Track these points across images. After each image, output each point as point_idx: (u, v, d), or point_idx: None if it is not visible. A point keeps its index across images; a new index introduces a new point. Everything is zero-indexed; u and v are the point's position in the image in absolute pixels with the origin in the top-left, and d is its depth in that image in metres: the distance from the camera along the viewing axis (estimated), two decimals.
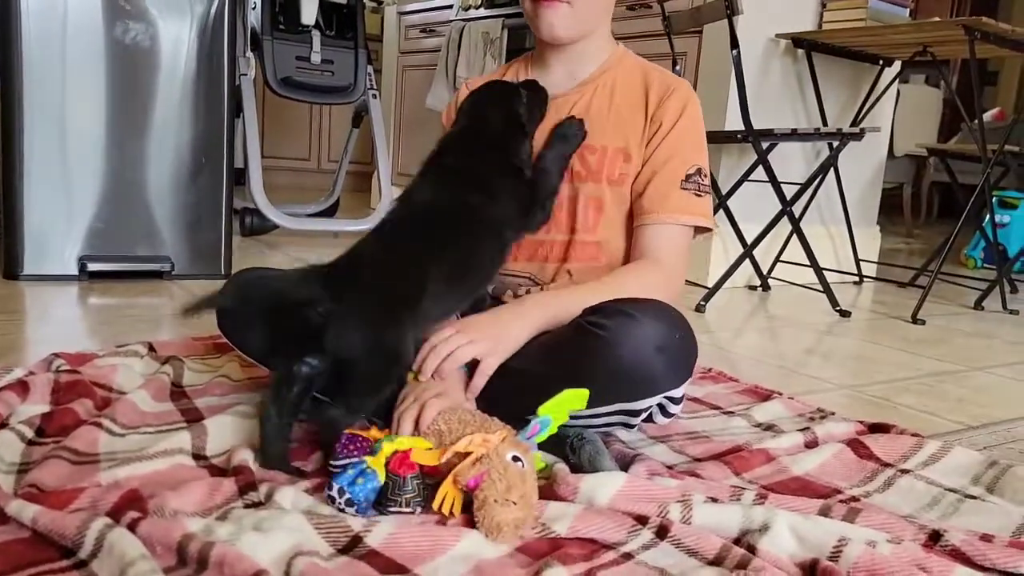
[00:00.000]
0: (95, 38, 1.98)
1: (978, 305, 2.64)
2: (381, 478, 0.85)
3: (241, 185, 2.81)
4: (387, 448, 0.87)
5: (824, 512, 0.91)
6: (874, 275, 3.13)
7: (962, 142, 4.09)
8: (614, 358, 0.96)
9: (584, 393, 0.95)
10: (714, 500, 0.92)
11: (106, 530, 0.71)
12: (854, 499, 1.00)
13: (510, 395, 1.02)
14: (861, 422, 1.27)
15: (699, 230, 1.22)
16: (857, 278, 3.00)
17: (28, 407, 1.04)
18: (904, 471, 1.09)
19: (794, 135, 2.40)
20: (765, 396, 1.42)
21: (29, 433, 0.98)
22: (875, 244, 3.24)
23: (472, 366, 1.04)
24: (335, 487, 0.84)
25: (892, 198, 4.81)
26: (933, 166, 5.07)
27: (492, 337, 1.03)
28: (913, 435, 1.20)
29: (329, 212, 3.56)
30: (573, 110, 1.22)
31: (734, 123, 2.52)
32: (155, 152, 2.09)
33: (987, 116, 4.60)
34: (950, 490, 1.05)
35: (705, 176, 1.21)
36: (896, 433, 1.21)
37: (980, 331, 2.28)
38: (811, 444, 1.16)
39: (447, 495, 0.85)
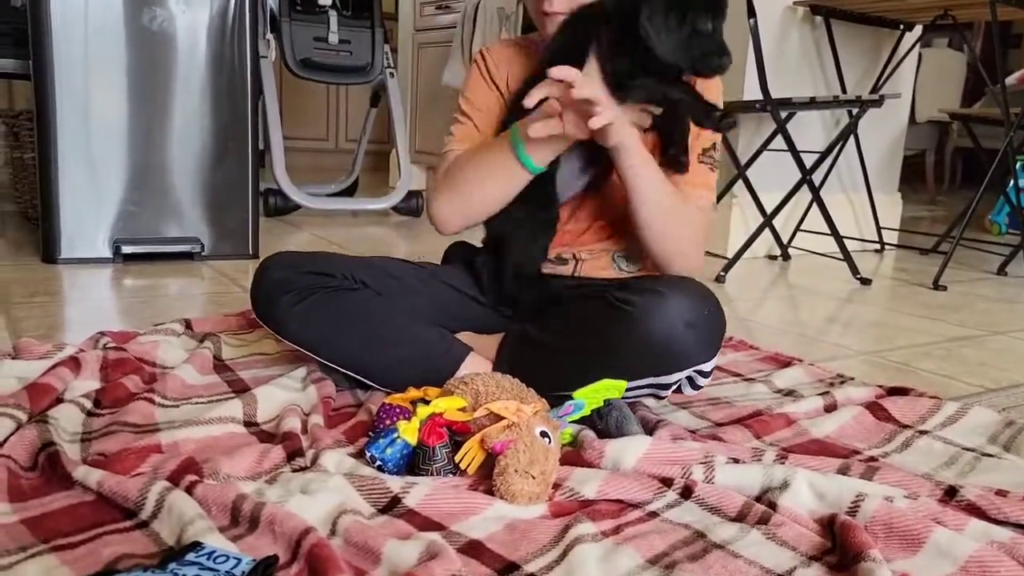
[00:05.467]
0: (116, 25, 2.02)
1: (1001, 270, 2.63)
2: (412, 442, 0.90)
3: (262, 167, 2.85)
4: (422, 412, 0.92)
5: (842, 471, 0.94)
6: (895, 243, 3.13)
7: (986, 106, 4.04)
8: (644, 334, 0.98)
9: (621, 384, 0.98)
10: (736, 461, 0.95)
11: (165, 492, 0.77)
12: (872, 459, 1.03)
13: (539, 367, 1.06)
14: (880, 386, 1.29)
15: None
16: (878, 246, 3.00)
17: (81, 383, 1.09)
18: (922, 432, 1.12)
19: (813, 103, 2.40)
20: (785, 363, 1.44)
21: (88, 404, 1.03)
22: (896, 211, 3.23)
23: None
24: (367, 455, 0.89)
25: (914, 165, 4.76)
26: (956, 131, 5.02)
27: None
28: (932, 397, 1.23)
29: (349, 192, 3.60)
30: None
31: (752, 92, 2.52)
32: (180, 136, 2.14)
33: (1011, 79, 4.53)
34: (967, 449, 1.07)
35: None
36: (915, 396, 1.23)
37: (1003, 296, 2.28)
38: (830, 408, 1.19)
39: (471, 452, 0.89)
